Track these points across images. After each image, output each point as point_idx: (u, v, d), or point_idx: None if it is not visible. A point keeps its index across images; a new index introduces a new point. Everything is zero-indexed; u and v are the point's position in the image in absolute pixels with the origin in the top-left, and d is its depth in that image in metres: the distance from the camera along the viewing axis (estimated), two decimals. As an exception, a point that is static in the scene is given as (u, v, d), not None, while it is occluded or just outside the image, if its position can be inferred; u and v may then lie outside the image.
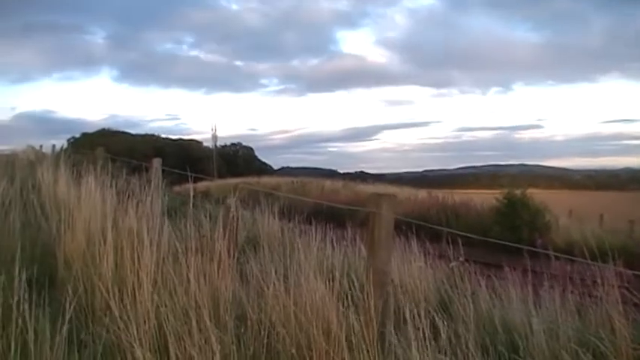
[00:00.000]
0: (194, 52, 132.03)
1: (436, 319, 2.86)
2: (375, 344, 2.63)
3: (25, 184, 5.92)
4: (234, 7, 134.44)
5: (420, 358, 2.51)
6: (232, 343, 2.60)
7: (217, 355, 2.45)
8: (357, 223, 5.75)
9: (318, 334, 2.64)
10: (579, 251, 3.41)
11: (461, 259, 4.20)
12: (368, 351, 2.59)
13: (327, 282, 2.88)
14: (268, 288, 2.94)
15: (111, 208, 4.10)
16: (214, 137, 54.33)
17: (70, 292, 2.58)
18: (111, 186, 4.69)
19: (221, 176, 33.98)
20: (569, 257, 3.58)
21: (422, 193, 22.76)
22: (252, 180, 30.21)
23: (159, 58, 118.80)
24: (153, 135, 62.16)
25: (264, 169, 54.87)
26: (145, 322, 2.65)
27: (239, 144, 67.01)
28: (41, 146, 13.35)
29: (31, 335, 2.31)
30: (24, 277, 2.49)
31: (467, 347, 2.73)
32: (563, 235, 13.98)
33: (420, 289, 3.88)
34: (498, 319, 3.33)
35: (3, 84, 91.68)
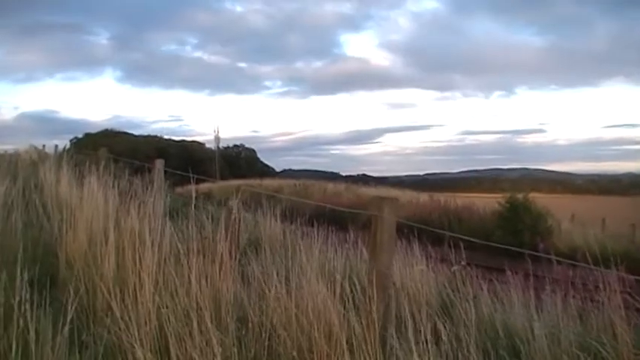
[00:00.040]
0: (198, 54, 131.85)
1: (438, 322, 2.85)
2: (377, 347, 2.62)
3: (28, 183, 5.95)
4: (239, 8, 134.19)
5: (421, 361, 2.50)
6: (233, 345, 2.60)
7: (218, 357, 2.45)
8: (359, 226, 5.75)
9: (319, 336, 2.64)
10: (581, 256, 3.40)
11: (463, 262, 4.17)
12: (369, 354, 2.58)
13: (329, 285, 2.88)
14: (270, 290, 2.94)
15: (113, 208, 4.12)
16: (217, 139, 54.53)
17: (71, 292, 2.58)
18: (113, 186, 4.71)
19: (223, 178, 34.04)
20: (572, 262, 3.57)
21: (424, 197, 22.85)
22: (254, 182, 30.30)
23: (162, 59, 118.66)
24: (155, 136, 62.31)
25: (266, 171, 55.04)
26: (146, 323, 2.65)
27: (242, 146, 67.30)
28: (44, 146, 13.45)
29: (32, 335, 2.31)
30: (26, 277, 2.50)
31: (468, 351, 2.72)
32: (566, 240, 13.97)
33: (421, 292, 3.87)
34: (500, 323, 3.32)
35: (6, 84, 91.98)
